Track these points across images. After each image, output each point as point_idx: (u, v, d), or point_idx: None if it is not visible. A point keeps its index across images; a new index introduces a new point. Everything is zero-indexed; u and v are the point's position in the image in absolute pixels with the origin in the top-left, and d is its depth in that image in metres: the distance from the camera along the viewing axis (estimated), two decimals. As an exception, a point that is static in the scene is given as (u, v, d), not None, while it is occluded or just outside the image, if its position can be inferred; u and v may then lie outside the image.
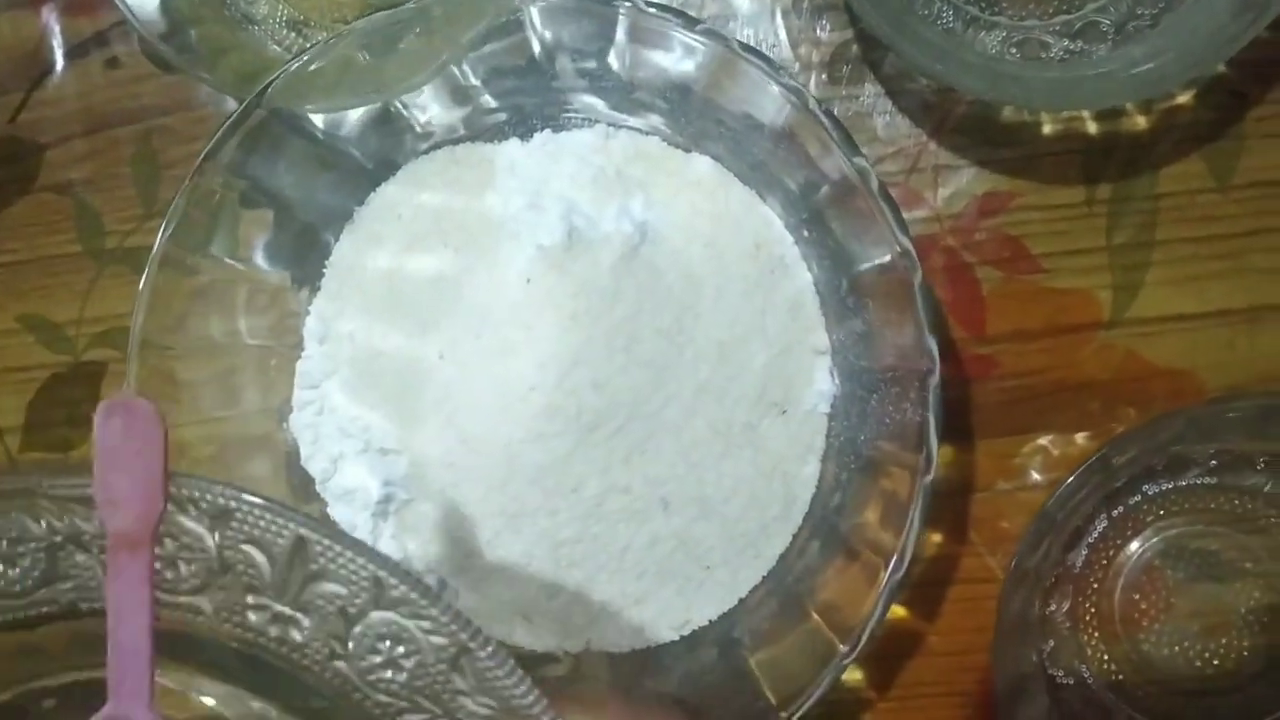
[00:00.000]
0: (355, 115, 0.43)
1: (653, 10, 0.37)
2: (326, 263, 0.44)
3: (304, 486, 0.43)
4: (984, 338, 0.44)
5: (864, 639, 0.37)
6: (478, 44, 0.41)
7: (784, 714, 0.38)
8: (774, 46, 0.45)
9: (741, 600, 0.42)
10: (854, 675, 0.44)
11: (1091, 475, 0.39)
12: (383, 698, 0.31)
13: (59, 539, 0.31)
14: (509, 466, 0.41)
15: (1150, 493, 0.43)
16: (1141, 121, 0.44)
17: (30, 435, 0.48)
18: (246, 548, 0.31)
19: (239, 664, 0.32)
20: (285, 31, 0.46)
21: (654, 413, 0.41)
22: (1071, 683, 0.43)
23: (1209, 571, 0.43)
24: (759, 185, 0.43)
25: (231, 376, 0.43)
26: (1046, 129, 0.44)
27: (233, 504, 0.30)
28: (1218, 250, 0.43)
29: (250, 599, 0.31)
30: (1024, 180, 0.44)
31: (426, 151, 0.44)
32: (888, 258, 0.37)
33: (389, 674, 0.31)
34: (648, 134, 0.43)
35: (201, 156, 0.39)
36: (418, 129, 0.44)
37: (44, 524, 0.31)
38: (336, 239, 0.44)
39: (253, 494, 0.31)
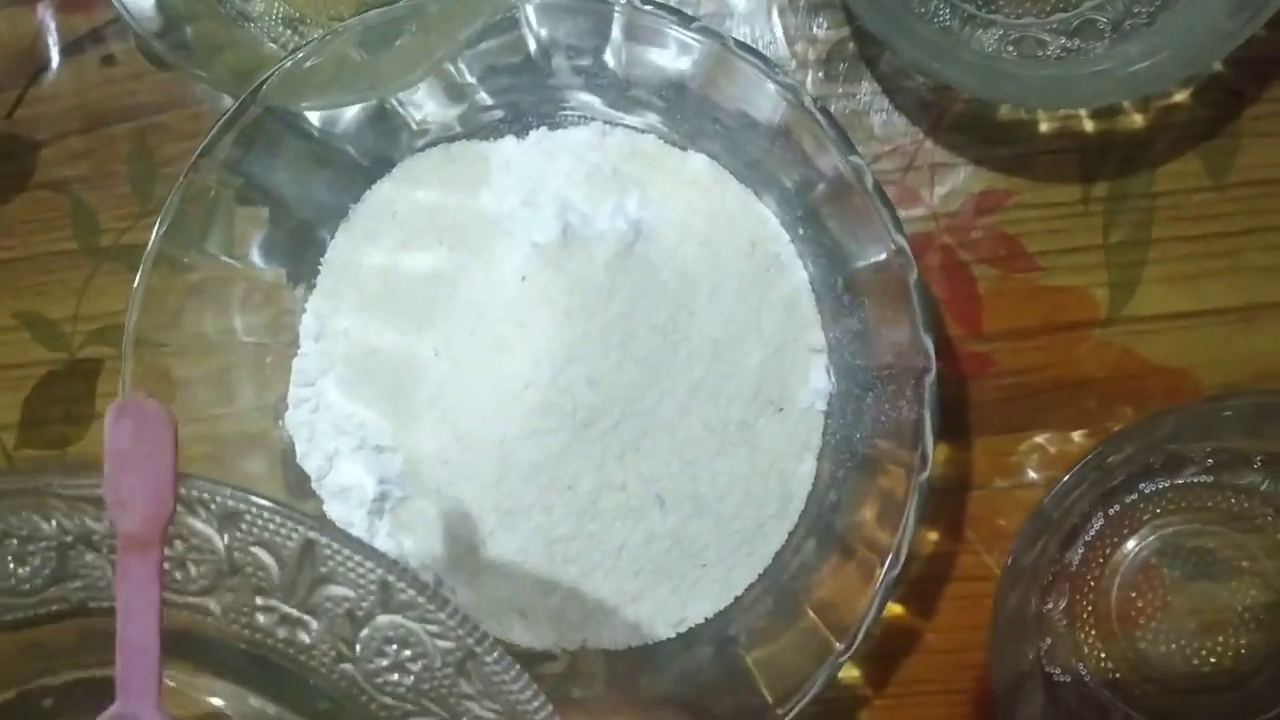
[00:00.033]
0: (351, 112, 0.43)
1: (648, 8, 0.37)
2: (322, 260, 0.44)
3: (300, 484, 0.43)
4: (980, 336, 0.44)
5: (860, 637, 0.37)
6: (473, 41, 0.41)
7: (780, 712, 0.38)
8: (770, 44, 0.45)
9: (737, 598, 0.42)
10: (851, 673, 0.44)
11: (1088, 473, 0.39)
12: (389, 701, 0.31)
13: (69, 538, 0.31)
14: (504, 463, 0.41)
15: (1147, 491, 0.43)
16: (1138, 120, 0.44)
17: (26, 432, 0.48)
18: (255, 550, 0.31)
19: (247, 665, 0.32)
20: (281, 28, 0.46)
21: (649, 410, 0.41)
22: (1068, 680, 0.43)
23: (1205, 570, 0.43)
24: (755, 183, 0.43)
25: (227, 374, 0.43)
26: (1043, 127, 0.44)
27: (242, 506, 0.31)
28: (1214, 248, 0.43)
29: (259, 600, 0.31)
30: (1020, 178, 0.44)
31: (422, 149, 0.44)
32: (883, 256, 0.37)
33: (395, 677, 0.31)
34: (643, 132, 0.43)
35: (196, 154, 0.39)
36: (413, 126, 0.44)
37: (55, 523, 0.31)
38: (332, 236, 0.44)
39: (262, 496, 0.31)
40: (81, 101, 0.48)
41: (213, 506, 0.31)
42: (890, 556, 0.36)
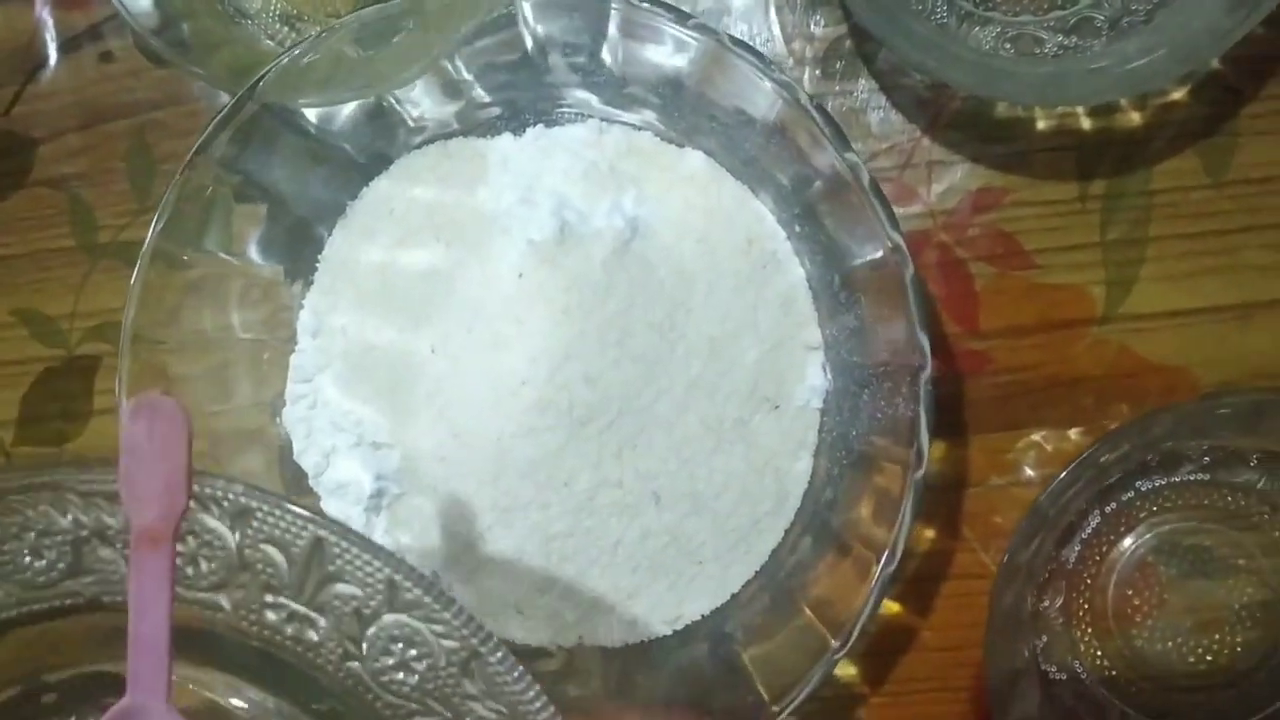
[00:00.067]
0: (348, 110, 0.43)
1: (645, 5, 0.37)
2: (319, 257, 0.44)
3: (297, 481, 0.43)
4: (977, 333, 0.44)
5: (856, 634, 0.37)
6: (470, 39, 0.41)
7: (776, 709, 0.38)
8: (767, 41, 0.45)
9: (734, 595, 0.43)
10: (847, 670, 0.44)
11: (1084, 471, 0.39)
12: (394, 700, 0.31)
13: (85, 533, 0.32)
14: (500, 460, 0.41)
15: (1143, 488, 0.43)
16: (1135, 117, 0.44)
17: (24, 429, 0.48)
18: (266, 547, 0.31)
19: (256, 661, 0.33)
20: (278, 26, 0.46)
21: (646, 407, 0.41)
22: (1064, 678, 0.43)
23: (1202, 567, 0.43)
24: (751, 180, 0.43)
25: (224, 371, 0.43)
26: (1040, 125, 0.44)
27: (254, 503, 0.31)
28: (1211, 246, 0.43)
29: (268, 598, 0.31)
30: (1018, 176, 0.44)
31: (419, 146, 0.44)
32: (880, 253, 0.37)
33: (400, 676, 0.31)
34: (640, 129, 0.43)
35: (193, 151, 0.39)
36: (410, 123, 0.44)
37: (70, 518, 0.31)
38: (329, 233, 0.44)
39: (274, 495, 0.31)
40: (79, 98, 0.48)
41: (225, 503, 0.31)
42: (886, 554, 0.36)
